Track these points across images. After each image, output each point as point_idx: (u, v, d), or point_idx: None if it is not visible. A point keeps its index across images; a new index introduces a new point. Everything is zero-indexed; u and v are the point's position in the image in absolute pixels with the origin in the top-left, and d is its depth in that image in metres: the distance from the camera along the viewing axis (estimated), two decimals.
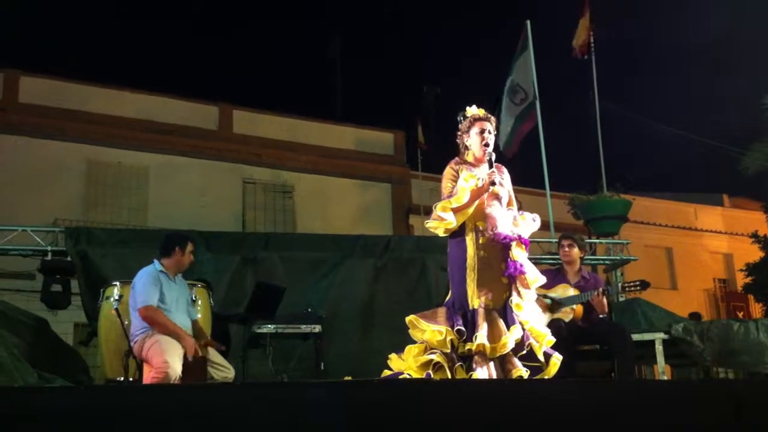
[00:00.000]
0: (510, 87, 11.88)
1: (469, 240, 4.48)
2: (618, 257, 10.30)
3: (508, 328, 4.28)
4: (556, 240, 6.38)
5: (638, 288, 5.89)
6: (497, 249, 4.46)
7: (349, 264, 8.26)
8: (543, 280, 4.62)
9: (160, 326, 5.15)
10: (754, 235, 19.06)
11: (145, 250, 6.09)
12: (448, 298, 4.57)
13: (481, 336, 4.20)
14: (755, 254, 19.01)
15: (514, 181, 4.78)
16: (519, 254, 4.44)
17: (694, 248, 22.84)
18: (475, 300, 4.37)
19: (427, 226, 4.57)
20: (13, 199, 14.08)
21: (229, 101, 18.06)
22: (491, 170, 4.50)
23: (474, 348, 4.21)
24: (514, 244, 4.45)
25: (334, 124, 19.20)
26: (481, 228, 4.49)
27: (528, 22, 11.72)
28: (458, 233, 4.52)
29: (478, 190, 4.45)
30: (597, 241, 10.84)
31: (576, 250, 6.07)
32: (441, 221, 4.45)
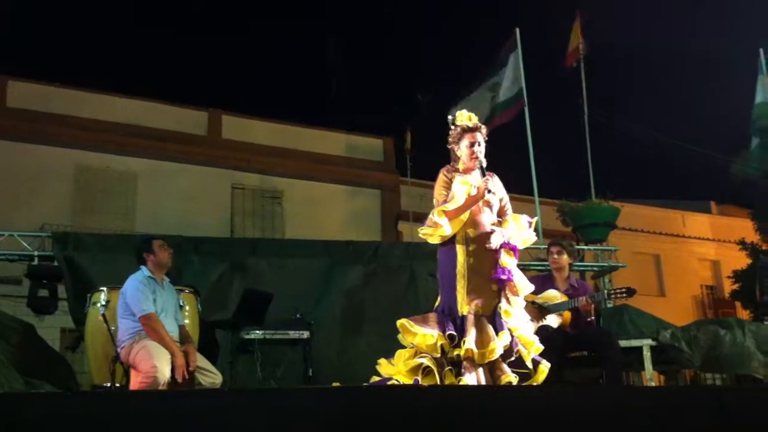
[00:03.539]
0: (493, 87, 11.88)
1: (459, 247, 4.49)
2: (606, 264, 10.33)
3: (496, 334, 4.29)
4: (545, 247, 6.38)
5: (624, 295, 5.90)
6: (487, 256, 4.47)
7: (338, 270, 8.25)
8: (531, 288, 4.66)
9: (158, 338, 5.13)
10: (742, 242, 19.16)
11: (132, 255, 6.06)
12: (437, 304, 4.58)
13: (469, 342, 4.21)
14: (742, 261, 19.11)
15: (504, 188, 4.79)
16: (508, 261, 4.46)
17: (681, 255, 22.95)
18: (465, 306, 4.38)
19: (420, 233, 4.55)
20: (0, 204, 14.02)
21: (218, 107, 18.05)
22: (485, 178, 4.51)
23: (462, 354, 4.22)
24: (503, 251, 4.46)
25: (323, 130, 19.20)
26: (471, 235, 4.50)
27: (517, 30, 11.77)
28: (448, 240, 4.52)
29: (473, 197, 4.47)
30: (585, 247, 10.87)
31: (565, 257, 6.07)
32: (436, 228, 4.44)
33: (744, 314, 19.50)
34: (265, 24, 42.50)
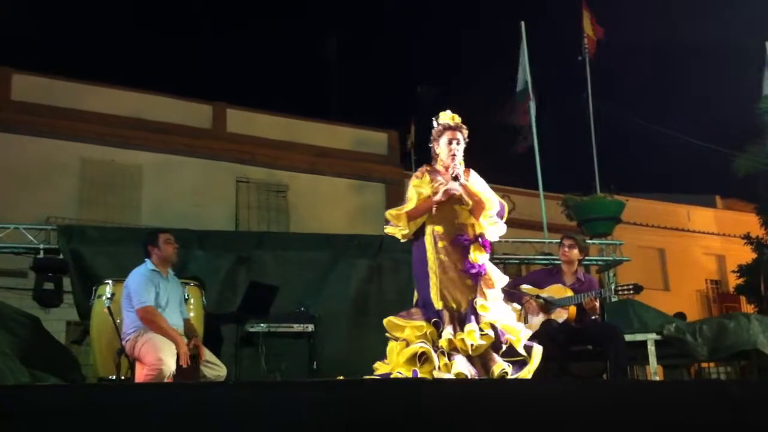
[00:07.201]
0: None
1: (428, 244, 4.54)
2: (611, 258, 10.33)
3: (471, 328, 4.30)
4: (550, 240, 6.38)
5: (632, 292, 5.90)
6: (457, 252, 4.50)
7: (342, 263, 8.26)
8: (506, 279, 4.66)
9: (157, 329, 5.15)
10: (747, 237, 19.12)
11: (137, 248, 6.07)
12: (416, 300, 4.62)
13: (448, 333, 4.26)
14: (747, 256, 19.08)
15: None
16: (479, 256, 4.47)
17: (686, 249, 22.90)
18: (439, 302, 4.42)
19: (385, 231, 4.65)
20: (6, 197, 14.03)
21: (223, 100, 18.04)
22: (440, 182, 4.52)
23: (446, 346, 4.26)
24: (472, 246, 4.47)
25: (328, 124, 19.18)
26: (438, 232, 4.51)
27: (522, 23, 11.77)
28: (418, 237, 4.59)
29: (425, 201, 4.49)
30: (590, 241, 10.87)
31: (576, 251, 6.07)
32: (395, 227, 4.53)
33: (749, 309, 19.50)
34: (269, 17, 42.43)
